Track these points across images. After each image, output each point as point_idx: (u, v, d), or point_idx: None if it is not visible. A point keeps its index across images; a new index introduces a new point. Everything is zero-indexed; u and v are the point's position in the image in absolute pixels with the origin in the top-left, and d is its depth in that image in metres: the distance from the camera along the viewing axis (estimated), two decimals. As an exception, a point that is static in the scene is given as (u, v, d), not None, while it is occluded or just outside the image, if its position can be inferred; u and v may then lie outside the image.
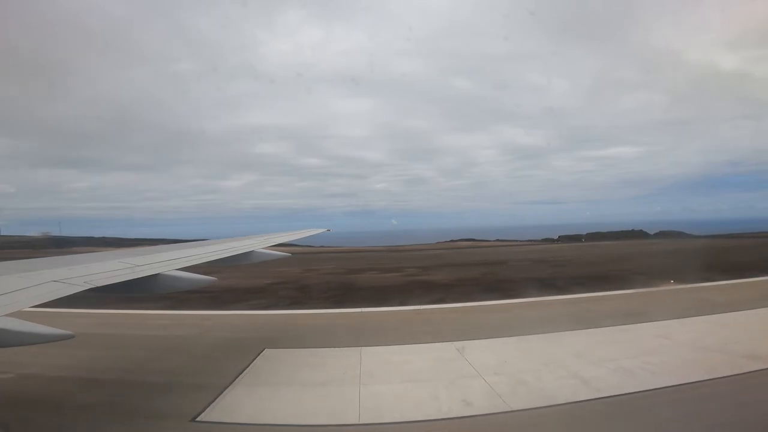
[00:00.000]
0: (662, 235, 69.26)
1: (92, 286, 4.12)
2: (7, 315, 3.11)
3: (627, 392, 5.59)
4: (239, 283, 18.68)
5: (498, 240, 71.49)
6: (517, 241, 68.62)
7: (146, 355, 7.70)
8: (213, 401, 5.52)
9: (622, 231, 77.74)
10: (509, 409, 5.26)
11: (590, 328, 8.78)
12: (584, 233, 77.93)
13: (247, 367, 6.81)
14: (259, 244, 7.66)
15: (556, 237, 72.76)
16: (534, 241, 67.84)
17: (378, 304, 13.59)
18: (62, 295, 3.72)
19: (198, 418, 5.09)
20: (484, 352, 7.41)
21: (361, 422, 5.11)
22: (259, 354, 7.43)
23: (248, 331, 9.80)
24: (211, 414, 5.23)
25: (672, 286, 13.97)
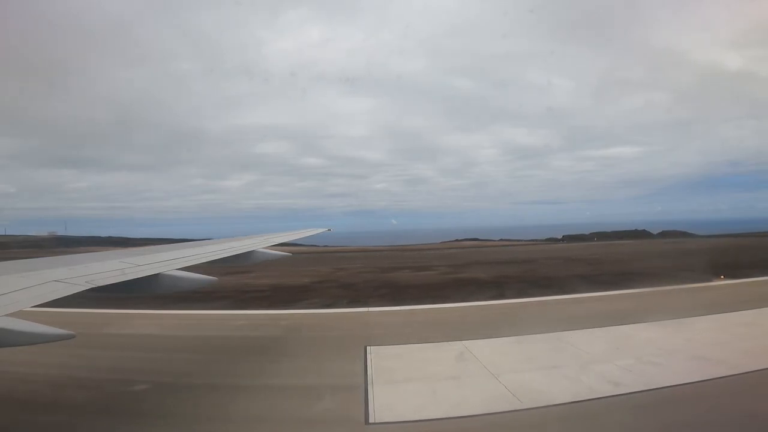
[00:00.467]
0: (665, 234, 69.11)
1: (93, 286, 4.13)
2: (7, 315, 3.12)
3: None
4: (281, 281, 18.85)
5: (502, 240, 71.56)
6: (521, 240, 68.66)
7: (263, 358, 7.46)
8: (369, 402, 5.49)
9: (625, 231, 77.74)
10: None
11: (690, 317, 9.03)
12: (587, 233, 77.99)
13: (366, 365, 6.81)
14: (260, 243, 7.67)
15: (560, 237, 72.91)
16: (538, 240, 67.91)
17: (441, 300, 13.40)
18: (63, 295, 3.73)
19: (371, 421, 5.03)
20: (594, 338, 7.94)
21: (525, 407, 5.26)
22: (365, 352, 7.45)
23: (333, 329, 9.78)
24: (381, 415, 5.17)
25: (726, 281, 14.19)
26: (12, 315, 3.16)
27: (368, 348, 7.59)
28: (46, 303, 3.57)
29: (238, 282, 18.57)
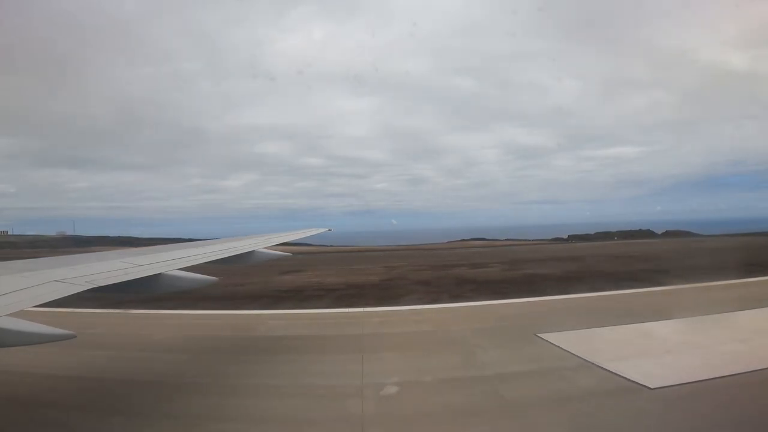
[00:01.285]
0: (669, 234, 68.85)
1: (94, 286, 4.15)
2: (8, 315, 3.14)
3: None
4: (351, 280, 18.72)
5: (508, 240, 71.55)
6: (528, 240, 68.58)
7: (459, 360, 7.29)
8: (626, 374, 5.96)
9: (630, 230, 77.68)
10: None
11: None
12: (592, 233, 77.92)
13: (567, 349, 7.18)
14: (260, 243, 7.69)
15: (565, 237, 72.91)
16: (544, 240, 67.80)
17: (540, 294, 13.33)
18: (64, 295, 3.75)
19: (651, 387, 5.55)
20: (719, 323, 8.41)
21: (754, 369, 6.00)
22: (541, 338, 7.81)
23: (486, 320, 10.06)
24: (653, 381, 5.67)
25: None
26: (12, 315, 3.18)
27: (541, 335, 7.94)
28: (47, 303, 3.60)
29: (304, 282, 18.69)
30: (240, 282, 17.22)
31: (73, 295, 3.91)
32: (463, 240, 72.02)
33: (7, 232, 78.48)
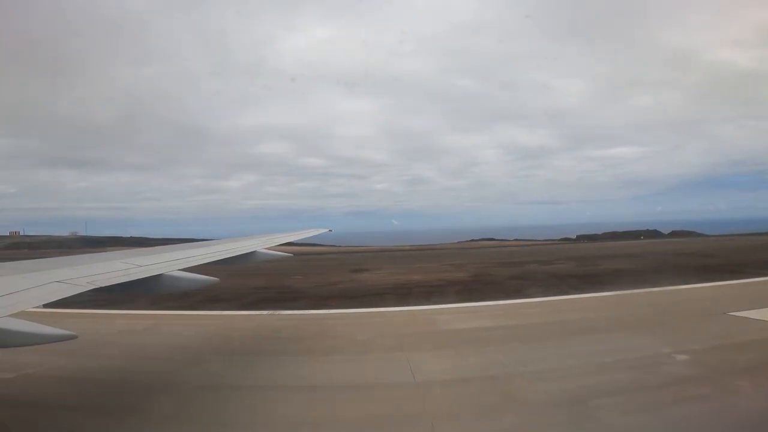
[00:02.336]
0: (676, 234, 68.55)
1: (95, 287, 4.19)
2: (9, 315, 3.17)
3: None
4: (444, 277, 18.87)
5: (517, 240, 71.56)
6: (538, 240, 68.55)
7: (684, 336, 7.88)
8: None
9: (636, 231, 77.64)
10: None
11: None
12: (600, 233, 78.17)
13: None
14: (261, 244, 7.72)
15: (573, 237, 73.20)
16: (553, 240, 67.79)
17: (651, 285, 13.23)
18: (65, 296, 3.79)
19: None
20: None
21: None
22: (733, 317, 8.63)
23: (656, 306, 10.51)
24: None
25: None
26: (13, 315, 3.21)
27: (732, 313, 8.76)
28: (48, 304, 3.64)
29: (395, 279, 18.92)
30: (326, 282, 17.60)
31: (75, 295, 3.95)
32: (473, 240, 72.12)
33: (19, 232, 79.52)
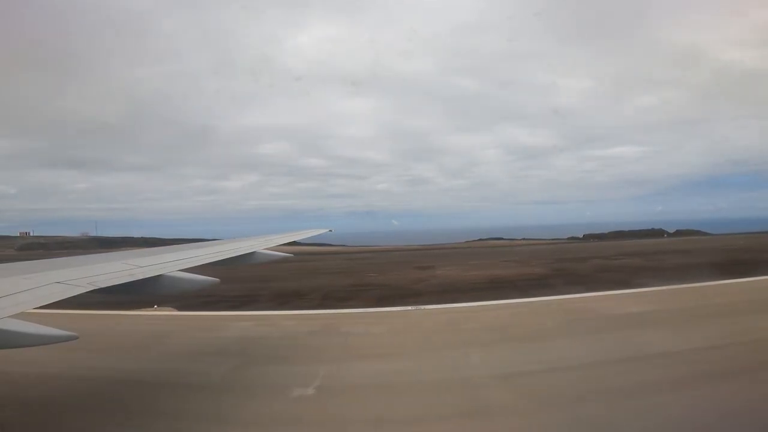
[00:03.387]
0: (681, 233, 68.53)
1: (95, 288, 4.22)
2: (9, 316, 3.21)
3: None
4: (523, 272, 19.62)
5: (524, 239, 71.86)
6: (545, 240, 68.82)
7: None
8: None
9: (642, 230, 77.92)
10: None
11: None
12: (606, 232, 78.64)
13: None
14: (261, 244, 7.75)
15: (581, 236, 73.63)
16: (560, 239, 68.02)
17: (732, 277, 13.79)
18: (65, 297, 3.82)
19: None
20: None
21: None
22: None
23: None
24: None
25: None
26: (14, 316, 3.25)
27: None
28: (49, 304, 3.67)
29: (474, 275, 19.74)
30: (412, 278, 17.97)
31: (76, 296, 3.98)
32: (481, 239, 72.51)
33: (29, 233, 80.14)
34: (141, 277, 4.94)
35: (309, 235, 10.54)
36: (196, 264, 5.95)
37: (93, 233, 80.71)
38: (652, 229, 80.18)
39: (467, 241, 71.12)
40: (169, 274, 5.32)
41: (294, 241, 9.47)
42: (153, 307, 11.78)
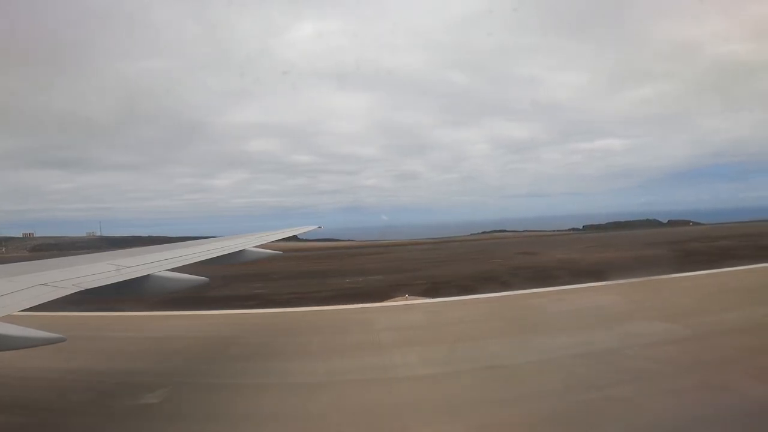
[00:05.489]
0: (673, 223, 69.70)
1: (80, 289, 4.24)
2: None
3: None
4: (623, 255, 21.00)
5: (527, 231, 72.84)
6: (548, 231, 69.75)
7: None
8: None
9: (639, 220, 79.37)
10: None
11: None
12: (604, 223, 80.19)
13: None
14: (250, 242, 7.80)
15: (580, 227, 75.17)
16: (562, 231, 69.06)
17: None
18: (50, 299, 3.84)
19: None
20: None
21: None
22: None
23: None
24: None
25: None
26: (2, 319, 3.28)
27: None
28: (36, 307, 3.69)
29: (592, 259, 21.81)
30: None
31: (64, 297, 4.00)
32: (484, 232, 73.40)
33: (32, 233, 79.18)
34: (128, 277, 4.97)
35: (298, 232, 10.60)
36: (184, 264, 5.98)
37: (98, 233, 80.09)
38: (647, 219, 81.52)
39: (471, 235, 71.68)
40: (157, 274, 5.35)
41: (276, 240, 9.47)
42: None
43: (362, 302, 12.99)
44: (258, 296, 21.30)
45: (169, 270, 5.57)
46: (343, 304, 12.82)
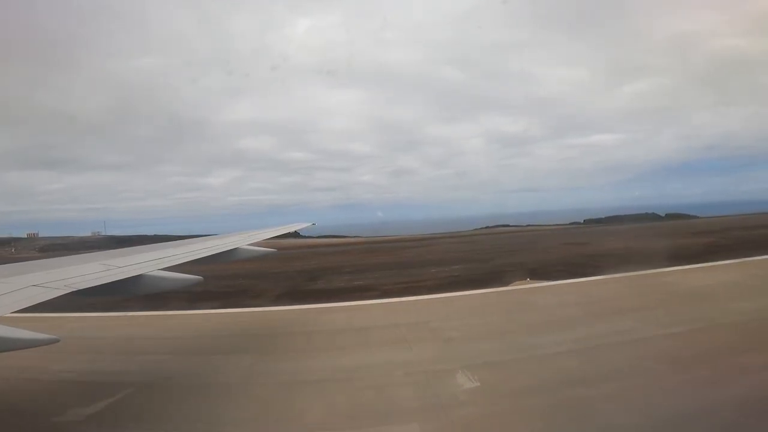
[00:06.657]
0: (671, 217, 70.38)
1: (72, 290, 4.29)
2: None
3: None
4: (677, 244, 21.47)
5: (529, 225, 73.37)
6: (551, 225, 70.24)
7: None
8: None
9: (637, 215, 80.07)
10: None
11: None
12: (603, 217, 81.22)
13: None
14: (243, 241, 7.85)
15: (581, 221, 76.24)
16: (562, 224, 69.69)
17: None
18: (42, 300, 3.90)
19: None
20: None
21: None
22: None
23: None
24: None
25: None
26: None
27: None
28: (28, 308, 3.73)
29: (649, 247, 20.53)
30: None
31: (57, 298, 4.05)
32: (488, 227, 73.76)
33: (36, 233, 78.99)
34: (120, 277, 5.02)
35: (291, 229, 10.65)
36: (176, 263, 6.03)
37: (103, 232, 79.96)
38: (646, 213, 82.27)
39: (475, 230, 71.80)
40: (149, 273, 5.41)
41: (269, 238, 9.48)
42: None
43: (485, 288, 13.12)
44: (370, 287, 19.23)
45: (161, 269, 5.64)
46: (469, 289, 12.77)
